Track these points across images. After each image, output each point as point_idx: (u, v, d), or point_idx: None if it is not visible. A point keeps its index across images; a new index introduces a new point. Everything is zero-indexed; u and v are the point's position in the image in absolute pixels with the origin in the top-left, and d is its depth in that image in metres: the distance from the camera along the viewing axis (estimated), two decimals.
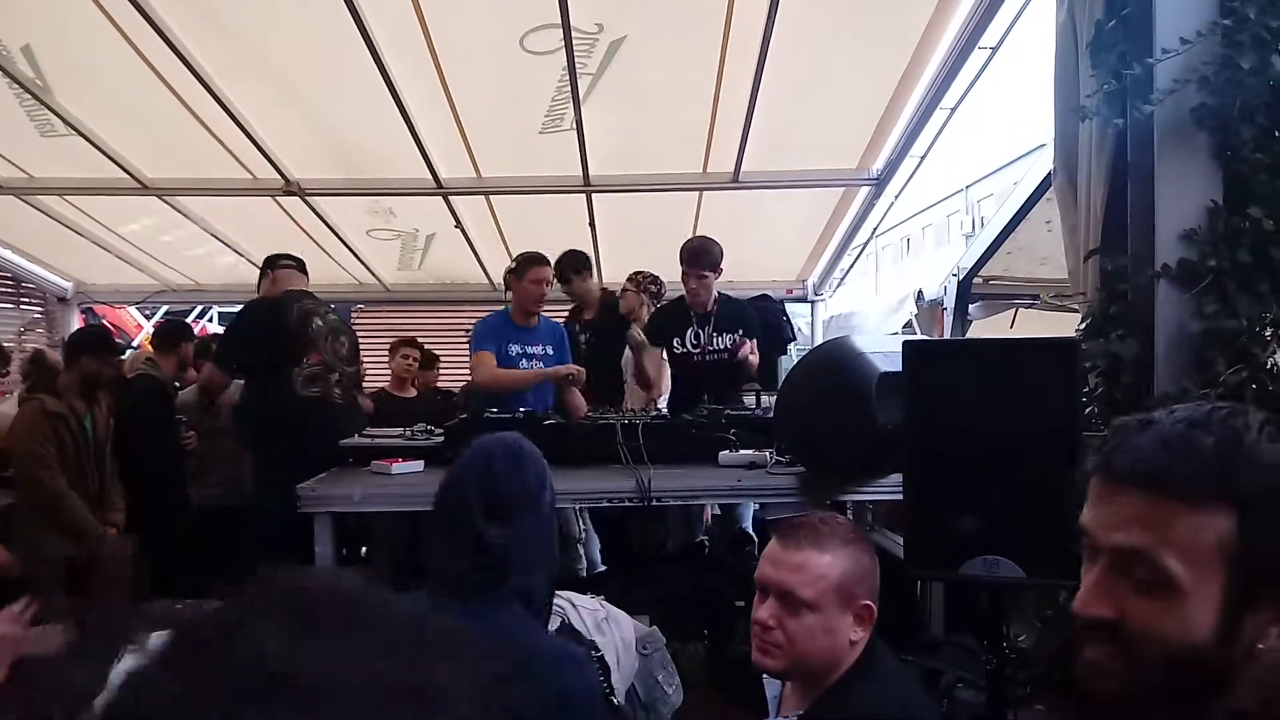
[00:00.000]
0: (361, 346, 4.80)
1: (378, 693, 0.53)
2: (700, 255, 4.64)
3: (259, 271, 4.76)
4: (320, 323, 4.36)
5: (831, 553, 1.81)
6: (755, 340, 4.75)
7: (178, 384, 5.39)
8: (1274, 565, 0.91)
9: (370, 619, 0.58)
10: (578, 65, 4.48)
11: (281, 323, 4.28)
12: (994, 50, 4.44)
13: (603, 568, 5.02)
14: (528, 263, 4.74)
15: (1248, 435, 0.94)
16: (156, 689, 0.53)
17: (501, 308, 4.94)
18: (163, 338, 5.79)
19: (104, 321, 9.13)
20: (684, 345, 4.77)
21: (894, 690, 1.69)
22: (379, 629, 0.57)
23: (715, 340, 4.73)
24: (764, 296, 6.37)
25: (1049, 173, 3.75)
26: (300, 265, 4.72)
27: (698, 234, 6.79)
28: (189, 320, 8.43)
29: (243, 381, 4.49)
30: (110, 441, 4.52)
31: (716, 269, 4.70)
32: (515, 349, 4.75)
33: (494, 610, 1.74)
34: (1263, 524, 0.91)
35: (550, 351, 4.83)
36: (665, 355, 4.92)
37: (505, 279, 4.84)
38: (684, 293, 4.78)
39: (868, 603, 1.81)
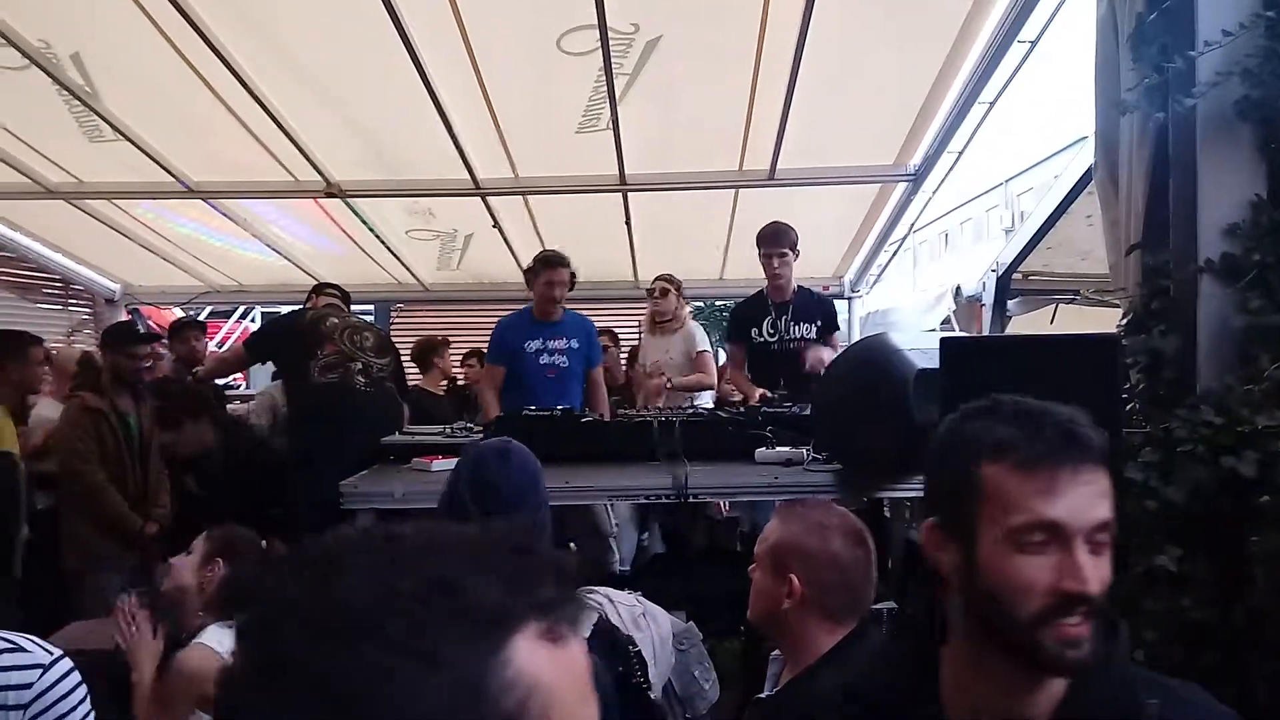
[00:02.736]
0: (401, 345, 4.92)
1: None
2: (779, 235, 4.83)
3: (306, 294, 5.11)
4: (335, 320, 4.56)
5: (783, 523, 1.99)
6: (836, 333, 4.89)
7: (194, 372, 5.52)
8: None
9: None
10: (614, 65, 4.50)
11: (294, 324, 4.68)
12: (1033, 44, 4.39)
13: (625, 569, 5.06)
14: (542, 264, 4.82)
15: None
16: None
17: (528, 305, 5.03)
18: (179, 331, 6.05)
19: (149, 322, 9.33)
20: (762, 335, 4.90)
21: (855, 675, 1.73)
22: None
23: (793, 329, 4.84)
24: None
25: (1089, 167, 3.71)
26: (344, 295, 5.07)
27: (735, 232, 6.89)
28: (232, 320, 8.61)
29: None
30: (155, 437, 4.62)
31: (794, 249, 4.85)
32: (534, 345, 4.81)
33: None
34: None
35: (575, 345, 4.89)
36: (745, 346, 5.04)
37: (525, 277, 4.91)
38: (762, 286, 4.98)
39: (792, 576, 1.91)
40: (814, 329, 4.89)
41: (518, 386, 4.74)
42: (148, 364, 4.82)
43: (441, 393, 6.59)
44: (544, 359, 4.80)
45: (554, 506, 4.53)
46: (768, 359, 4.87)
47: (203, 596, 2.64)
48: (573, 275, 4.93)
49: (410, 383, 6.47)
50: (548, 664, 0.59)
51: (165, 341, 5.88)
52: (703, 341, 5.61)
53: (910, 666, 1.19)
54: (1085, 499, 1.08)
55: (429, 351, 6.80)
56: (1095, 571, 1.07)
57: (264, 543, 2.88)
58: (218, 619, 2.44)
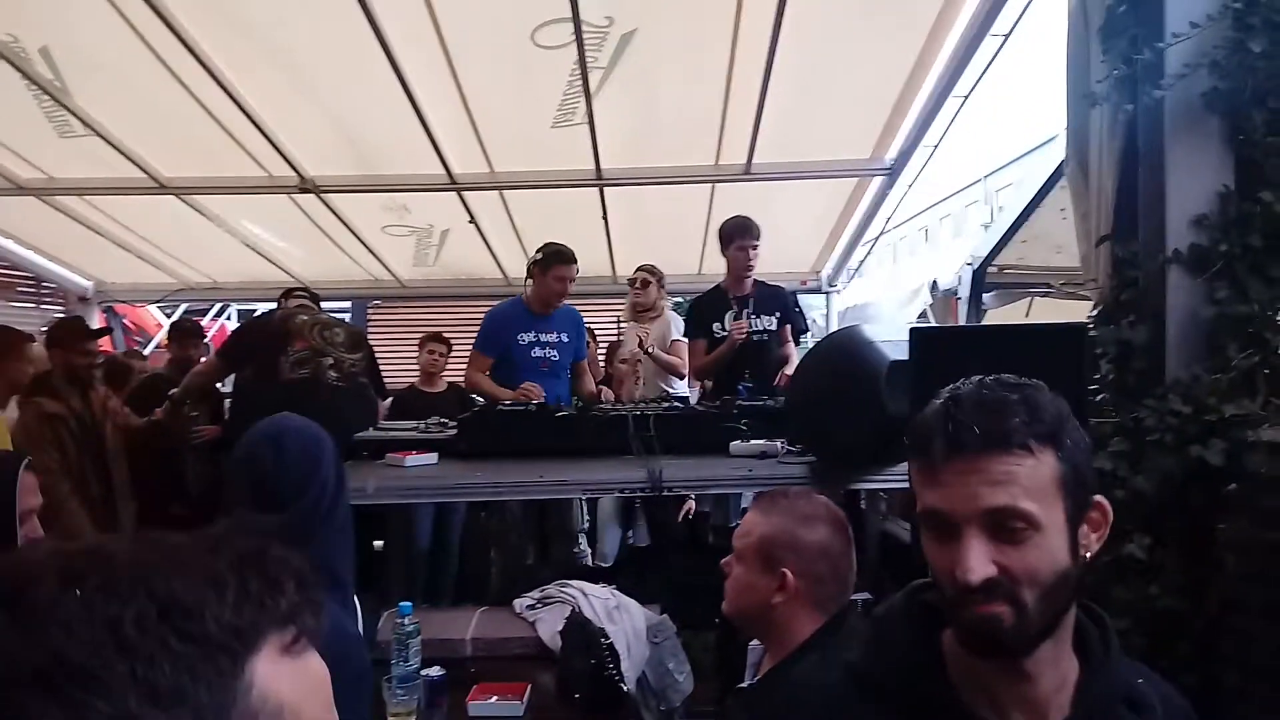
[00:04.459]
0: (378, 342, 4.89)
1: None
2: (749, 227, 4.86)
3: (276, 299, 5.10)
4: (304, 317, 4.52)
5: (767, 516, 1.95)
6: (791, 326, 4.92)
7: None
8: (1084, 483, 1.11)
9: None
10: (589, 59, 4.49)
11: (265, 324, 4.69)
12: (1006, 37, 4.41)
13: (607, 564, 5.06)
14: (554, 258, 4.74)
15: (1032, 389, 1.12)
16: None
17: (517, 294, 4.97)
18: (180, 336, 6.03)
19: (125, 321, 9.25)
20: (724, 329, 4.88)
21: (832, 667, 1.72)
22: None
23: (755, 322, 4.86)
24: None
25: (1062, 161, 3.73)
26: (314, 297, 5.06)
27: (712, 226, 6.87)
28: (208, 318, 8.54)
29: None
30: (112, 426, 4.57)
31: (758, 239, 4.89)
32: (527, 337, 4.76)
33: None
34: (1072, 452, 1.09)
35: (566, 339, 4.85)
36: (707, 342, 5.03)
37: (529, 267, 4.84)
38: (721, 280, 5.05)
39: (785, 570, 1.88)
40: (774, 320, 4.94)
41: (510, 378, 4.70)
42: (99, 360, 4.79)
43: (441, 389, 6.42)
44: (537, 351, 4.76)
45: (533, 501, 4.57)
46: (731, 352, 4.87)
47: None
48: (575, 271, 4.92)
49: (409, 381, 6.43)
50: (290, 679, 0.56)
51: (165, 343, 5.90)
52: (678, 331, 5.60)
53: (916, 646, 1.19)
54: (971, 487, 1.06)
55: (421, 346, 6.65)
56: (984, 559, 1.05)
57: None
58: None
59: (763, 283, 5.06)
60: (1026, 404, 1.09)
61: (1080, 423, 2.18)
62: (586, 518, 5.04)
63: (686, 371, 5.34)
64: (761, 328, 4.88)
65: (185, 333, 6.09)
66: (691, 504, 5.20)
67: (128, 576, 0.53)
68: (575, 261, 4.82)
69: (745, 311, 4.86)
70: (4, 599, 0.51)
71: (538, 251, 4.82)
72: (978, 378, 1.16)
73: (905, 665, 1.18)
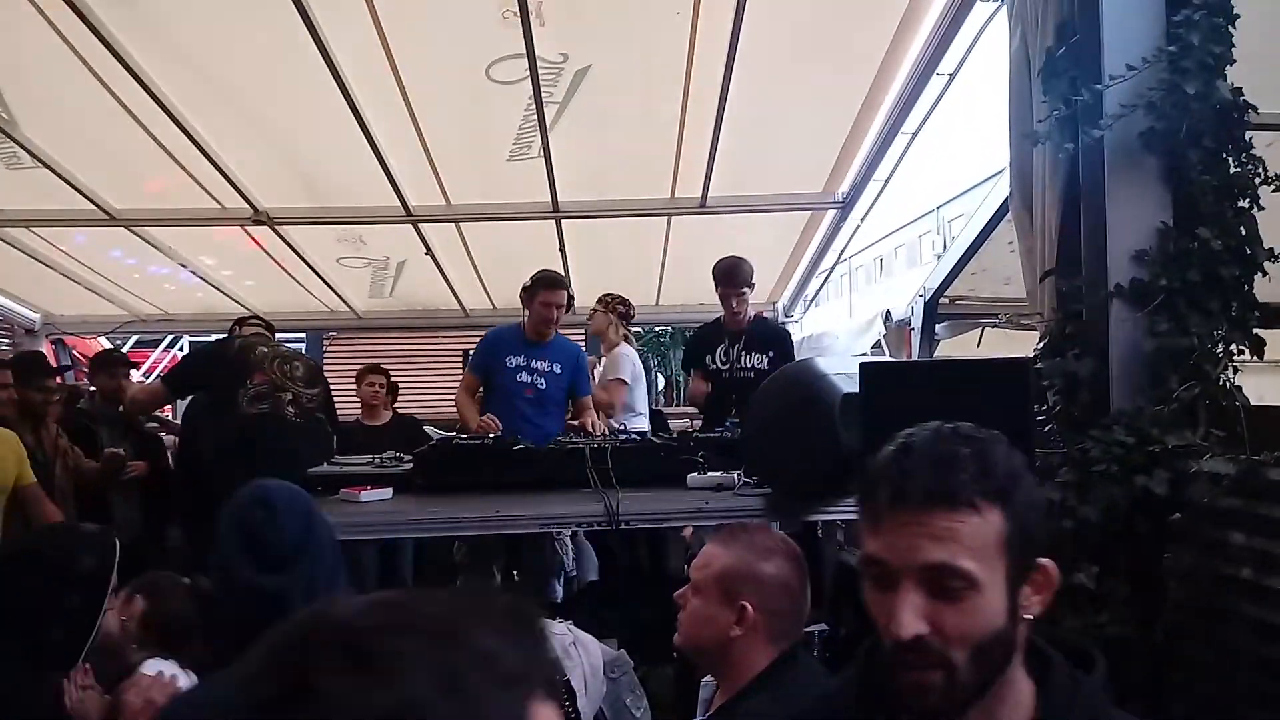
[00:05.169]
0: (334, 374, 4.83)
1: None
2: (734, 272, 4.88)
3: (229, 328, 4.96)
4: (264, 349, 4.44)
5: (727, 548, 1.94)
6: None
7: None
8: (1031, 544, 1.08)
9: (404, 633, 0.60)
10: (544, 94, 4.52)
11: (223, 352, 4.54)
12: (951, 76, 4.53)
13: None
14: (540, 284, 4.70)
15: (988, 444, 1.09)
16: None
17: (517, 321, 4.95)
18: (101, 365, 5.61)
19: (73, 352, 9.06)
20: (714, 362, 4.94)
21: (788, 703, 1.72)
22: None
23: (744, 359, 4.90)
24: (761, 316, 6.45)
25: (1008, 196, 3.82)
26: (268, 326, 4.91)
27: (669, 258, 6.94)
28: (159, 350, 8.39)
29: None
30: (62, 466, 4.48)
31: (751, 285, 4.93)
32: (515, 361, 4.71)
33: None
34: (1021, 512, 1.07)
35: (559, 370, 4.77)
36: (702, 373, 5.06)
37: (520, 295, 4.83)
38: (720, 314, 5.04)
39: (744, 604, 1.87)
40: (766, 360, 4.87)
41: (493, 402, 4.68)
42: (55, 397, 4.69)
43: (385, 421, 6.31)
44: (522, 377, 4.69)
45: (507, 536, 4.52)
46: (719, 386, 4.89)
47: (126, 635, 2.57)
48: (570, 298, 4.87)
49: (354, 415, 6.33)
50: None
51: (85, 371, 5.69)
52: (621, 370, 5.45)
53: (850, 694, 1.18)
54: (911, 539, 1.04)
55: (360, 379, 6.53)
56: (916, 615, 1.03)
57: (186, 580, 2.81)
58: (153, 654, 2.39)
59: (764, 320, 5.10)
60: (978, 459, 1.06)
61: (1027, 453, 2.24)
62: (572, 562, 4.99)
63: (606, 409, 5.24)
64: (750, 365, 4.88)
65: (111, 362, 5.60)
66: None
67: (448, 629, 0.59)
68: (564, 288, 4.78)
69: (736, 348, 4.90)
70: (367, 651, 0.56)
71: (529, 280, 4.79)
72: (935, 425, 1.13)
73: (841, 716, 1.17)
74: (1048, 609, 1.12)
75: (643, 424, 5.44)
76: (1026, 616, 1.09)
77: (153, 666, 2.30)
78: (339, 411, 5.35)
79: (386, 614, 0.60)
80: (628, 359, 5.53)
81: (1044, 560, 1.11)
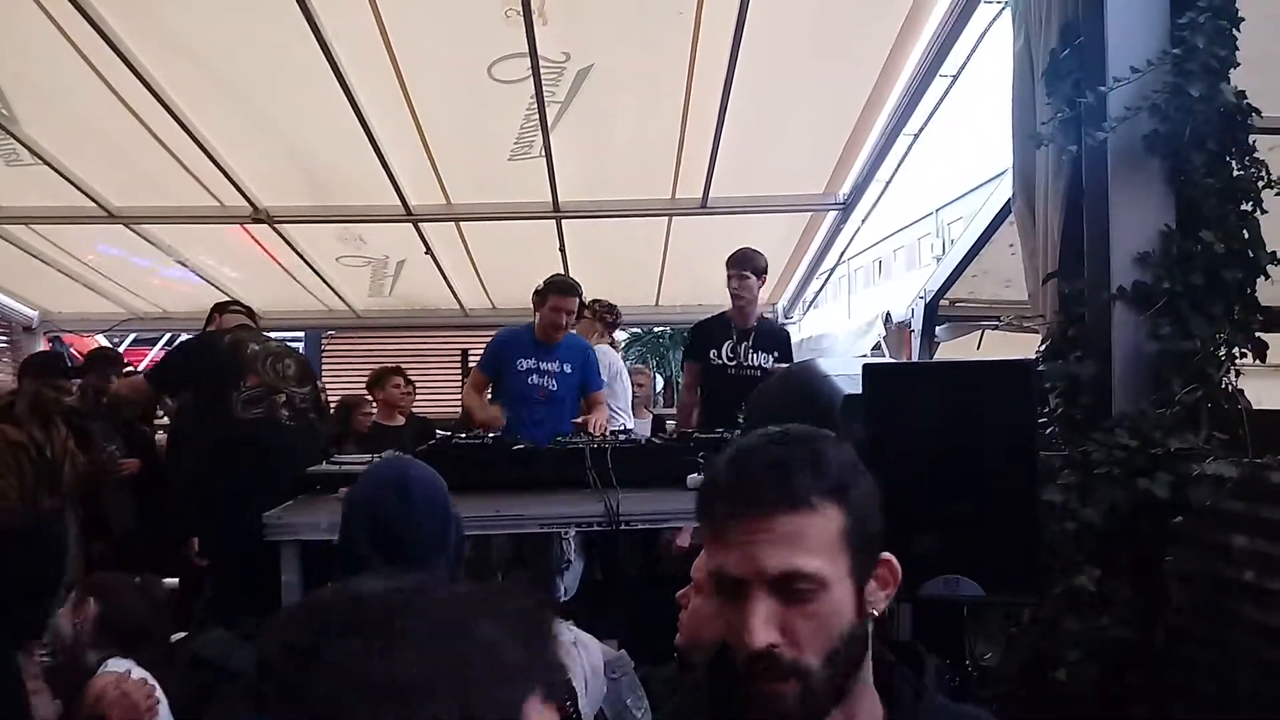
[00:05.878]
0: (333, 372, 4.78)
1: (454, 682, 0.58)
2: (744, 258, 4.91)
3: (207, 315, 4.78)
4: (256, 347, 4.26)
5: None
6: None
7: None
8: (871, 538, 1.08)
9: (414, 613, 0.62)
10: (546, 94, 4.52)
11: (212, 350, 4.26)
12: (954, 78, 4.53)
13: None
14: (552, 289, 4.71)
15: (819, 443, 1.09)
16: None
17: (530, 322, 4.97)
18: (93, 364, 5.61)
19: (71, 350, 9.04)
20: (720, 358, 4.93)
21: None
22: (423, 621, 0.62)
23: (751, 357, 4.90)
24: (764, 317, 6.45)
25: (1010, 198, 3.82)
26: (249, 312, 4.73)
27: (670, 258, 6.93)
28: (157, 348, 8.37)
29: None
30: (70, 465, 4.47)
31: (759, 274, 4.95)
32: (526, 363, 4.73)
33: None
34: (858, 505, 1.07)
35: (569, 370, 4.79)
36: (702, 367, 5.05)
37: (532, 298, 4.85)
38: (724, 310, 5.03)
39: None
40: (771, 359, 4.92)
41: (505, 404, 4.69)
42: (67, 398, 4.67)
43: (400, 424, 6.33)
44: (533, 379, 4.71)
45: (514, 535, 4.51)
46: (724, 382, 4.89)
47: (80, 638, 2.55)
48: (582, 305, 4.86)
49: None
50: None
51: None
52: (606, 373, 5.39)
53: (702, 710, 1.17)
54: (755, 547, 1.03)
55: (375, 385, 6.54)
56: (767, 624, 1.02)
57: (137, 579, 2.81)
58: (114, 654, 2.39)
59: (769, 320, 5.08)
60: (812, 459, 1.06)
61: (1030, 456, 2.23)
62: (569, 558, 4.98)
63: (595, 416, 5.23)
64: (758, 364, 4.89)
65: (104, 362, 5.59)
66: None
67: (458, 618, 0.62)
68: (577, 294, 4.77)
69: (744, 345, 4.90)
70: (376, 625, 0.59)
71: (541, 284, 4.81)
72: (764, 430, 1.13)
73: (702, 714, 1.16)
74: (889, 601, 1.12)
75: (624, 420, 5.43)
76: (874, 613, 1.09)
77: (116, 665, 2.32)
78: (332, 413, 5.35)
79: (403, 597, 0.63)
80: (604, 357, 5.55)
81: (886, 554, 1.12)
